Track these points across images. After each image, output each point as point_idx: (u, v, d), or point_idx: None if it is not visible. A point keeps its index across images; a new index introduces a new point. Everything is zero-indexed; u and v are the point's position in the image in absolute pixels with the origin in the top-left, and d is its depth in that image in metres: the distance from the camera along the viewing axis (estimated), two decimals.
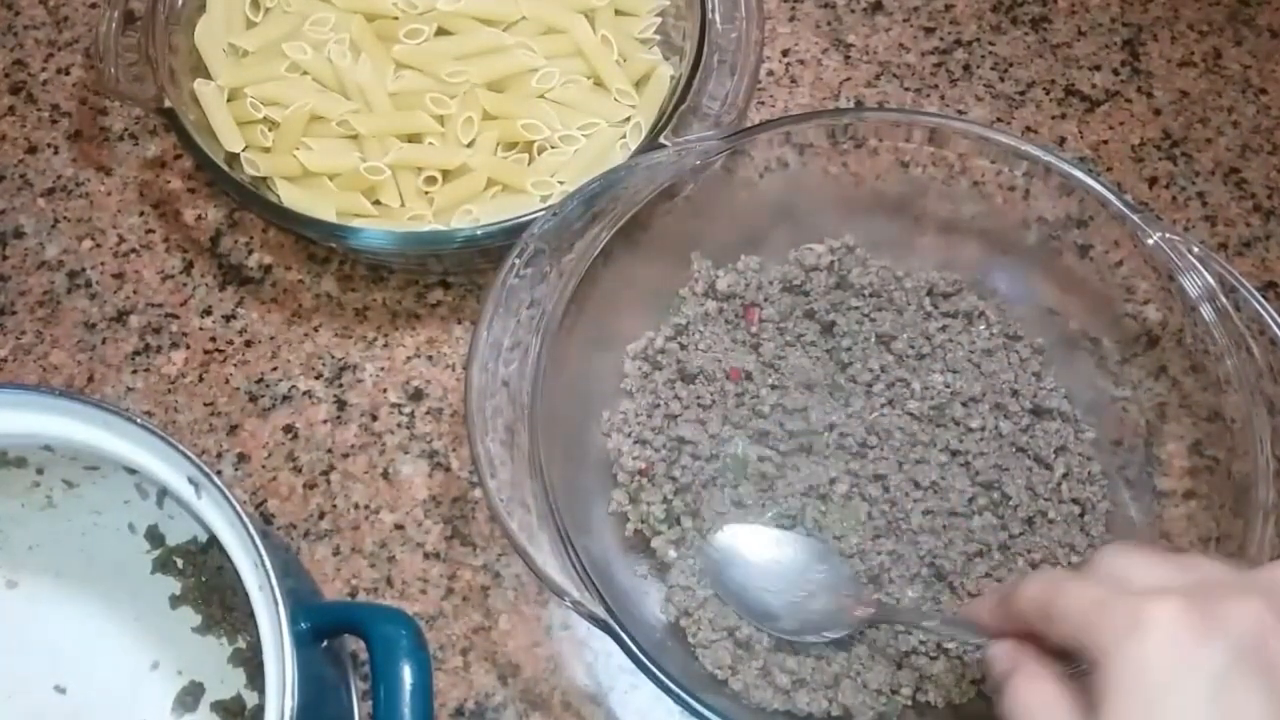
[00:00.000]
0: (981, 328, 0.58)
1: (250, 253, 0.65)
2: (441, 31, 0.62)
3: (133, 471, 0.46)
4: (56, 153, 0.68)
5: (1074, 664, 0.36)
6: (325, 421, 0.60)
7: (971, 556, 0.52)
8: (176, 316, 0.63)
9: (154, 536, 0.54)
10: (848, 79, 0.71)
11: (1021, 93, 0.70)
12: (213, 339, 0.63)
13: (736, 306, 0.57)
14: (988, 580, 0.52)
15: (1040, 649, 0.38)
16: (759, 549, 0.52)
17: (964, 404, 0.55)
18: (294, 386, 0.61)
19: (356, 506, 0.59)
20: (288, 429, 0.60)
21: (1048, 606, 0.37)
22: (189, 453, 0.43)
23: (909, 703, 0.50)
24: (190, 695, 0.53)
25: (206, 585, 0.54)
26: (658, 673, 0.45)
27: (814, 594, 0.50)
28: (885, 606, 0.50)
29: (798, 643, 0.51)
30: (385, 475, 0.59)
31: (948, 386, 0.55)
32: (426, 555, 0.57)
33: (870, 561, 0.52)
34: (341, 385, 0.61)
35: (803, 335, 0.57)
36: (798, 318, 0.57)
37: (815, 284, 0.57)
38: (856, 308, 0.57)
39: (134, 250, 0.65)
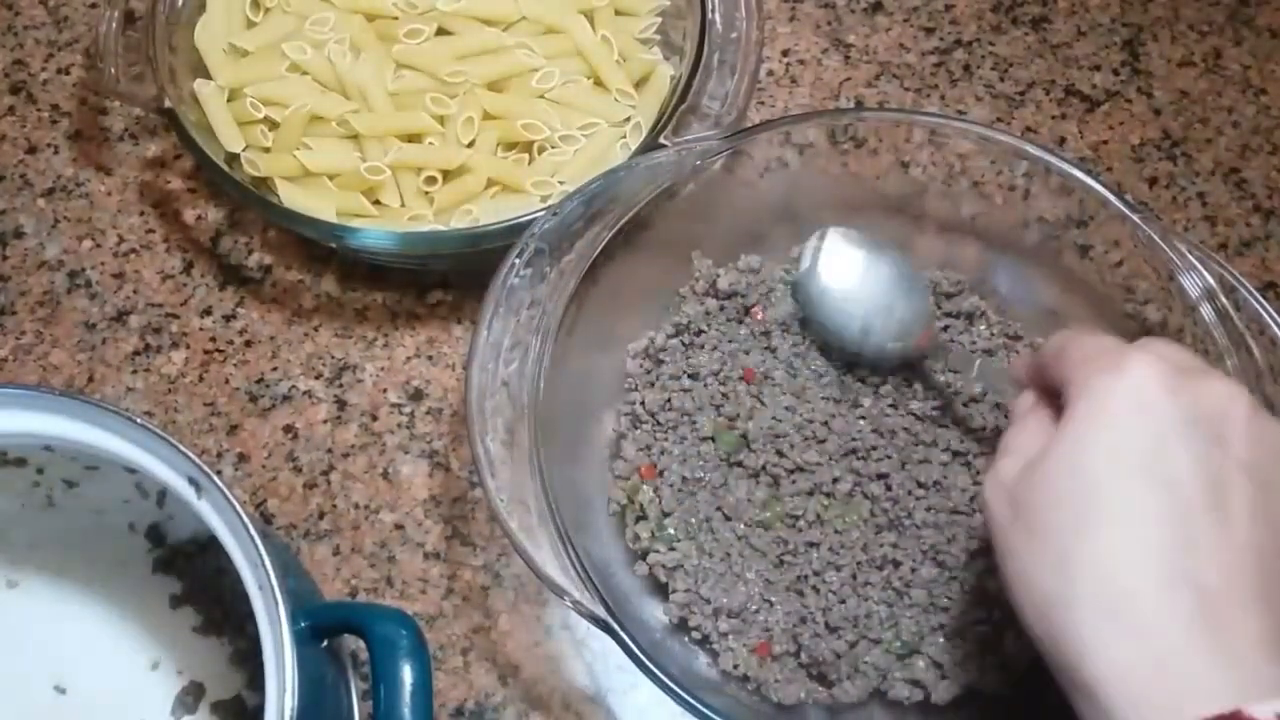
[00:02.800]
0: (982, 328, 0.58)
1: (250, 253, 0.65)
2: (441, 31, 0.62)
3: (133, 471, 0.46)
4: (56, 153, 0.68)
5: None
6: (325, 421, 0.60)
7: (974, 554, 0.52)
8: (176, 316, 0.63)
9: (154, 536, 0.54)
10: (848, 79, 0.71)
11: (1021, 93, 0.70)
12: (213, 339, 0.63)
13: (738, 305, 0.57)
14: (988, 575, 0.52)
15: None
16: (847, 258, 0.55)
17: (965, 404, 0.55)
18: (294, 386, 0.61)
19: (356, 506, 0.59)
20: (288, 429, 0.60)
21: (1060, 352, 0.41)
22: (189, 453, 0.43)
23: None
24: (190, 695, 0.53)
25: (206, 585, 0.54)
26: (658, 672, 0.45)
27: (891, 309, 0.54)
28: (941, 342, 0.53)
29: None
30: (385, 475, 0.59)
31: (949, 386, 0.55)
32: (426, 555, 0.57)
33: (873, 553, 0.52)
34: (341, 385, 0.61)
35: (796, 329, 0.57)
36: (784, 313, 0.57)
37: None
38: None
39: (134, 250, 0.65)
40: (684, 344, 0.57)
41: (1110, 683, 0.34)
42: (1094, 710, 0.35)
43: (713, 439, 0.54)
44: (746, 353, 0.56)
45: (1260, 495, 0.37)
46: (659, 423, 0.55)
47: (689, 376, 0.56)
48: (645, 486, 0.54)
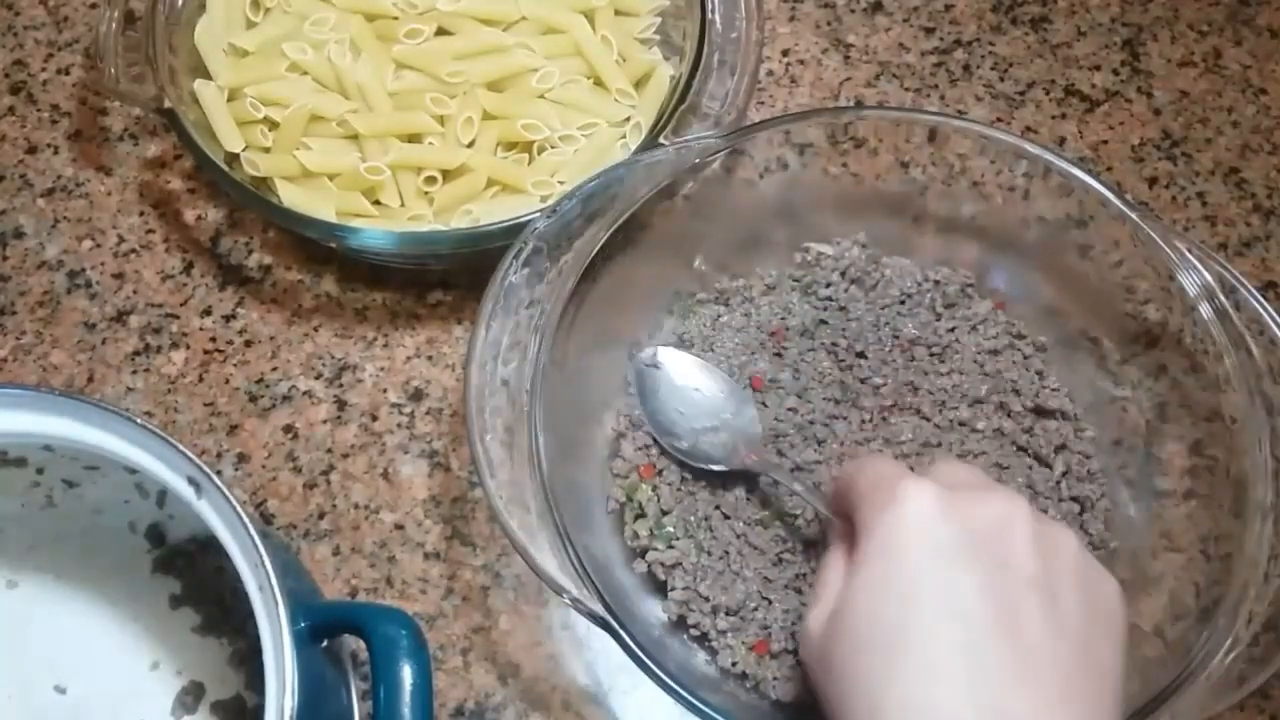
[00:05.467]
0: (987, 326, 0.57)
1: (250, 253, 0.65)
2: (441, 31, 0.62)
3: (133, 471, 0.46)
4: (56, 153, 0.68)
5: None
6: (325, 421, 0.60)
7: None
8: (176, 316, 0.63)
9: (154, 536, 0.54)
10: (848, 79, 0.71)
11: (1021, 93, 0.70)
12: (213, 339, 0.63)
13: (745, 307, 0.57)
14: None
15: None
16: (686, 373, 0.55)
17: (970, 405, 0.55)
18: (294, 386, 0.61)
19: (356, 506, 0.59)
20: (288, 429, 0.60)
21: (850, 484, 0.42)
22: (189, 453, 0.43)
23: None
24: (190, 695, 0.53)
25: (206, 585, 0.55)
26: (657, 670, 0.45)
27: (718, 430, 0.53)
28: (768, 462, 0.52)
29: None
30: (385, 475, 0.59)
31: (956, 388, 0.55)
32: (426, 555, 0.57)
33: None
34: (341, 385, 0.61)
35: (811, 333, 0.57)
36: (807, 321, 0.57)
37: (825, 281, 0.57)
38: (867, 307, 0.57)
39: (134, 250, 0.65)
40: (689, 345, 0.57)
41: None
42: None
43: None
44: (755, 361, 0.56)
45: (1052, 607, 0.37)
46: None
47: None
48: (644, 485, 0.54)
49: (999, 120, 0.70)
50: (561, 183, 0.59)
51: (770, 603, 0.51)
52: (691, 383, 0.54)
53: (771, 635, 0.51)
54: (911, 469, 0.42)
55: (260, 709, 0.42)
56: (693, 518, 0.53)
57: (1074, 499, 0.54)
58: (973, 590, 0.36)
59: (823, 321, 0.57)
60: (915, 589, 0.37)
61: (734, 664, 0.51)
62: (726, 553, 0.52)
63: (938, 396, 0.55)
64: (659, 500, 0.53)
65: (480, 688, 0.55)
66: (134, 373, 0.62)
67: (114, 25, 0.58)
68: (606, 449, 0.56)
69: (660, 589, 0.53)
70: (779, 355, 0.56)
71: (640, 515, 0.53)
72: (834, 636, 0.38)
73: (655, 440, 0.55)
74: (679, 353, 0.55)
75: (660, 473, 0.54)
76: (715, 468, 0.53)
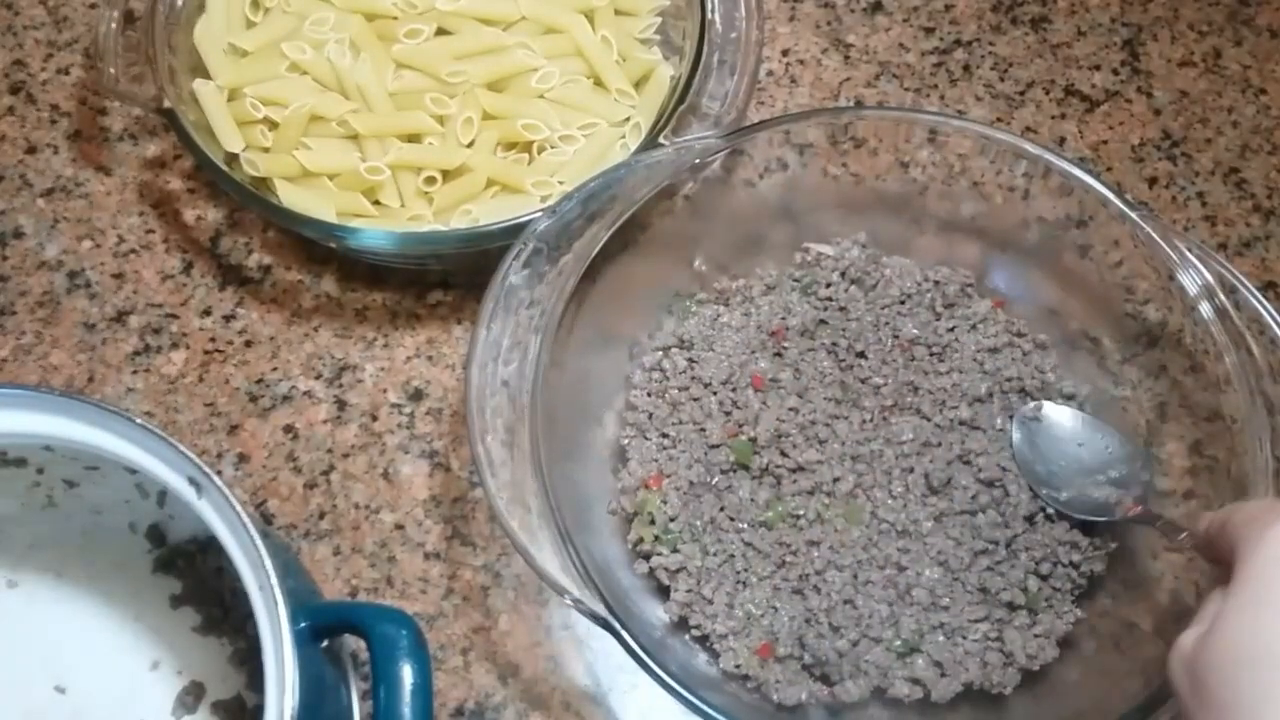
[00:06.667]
0: (987, 325, 0.58)
1: (250, 253, 0.65)
2: (441, 31, 0.62)
3: (133, 471, 0.46)
4: (56, 153, 0.68)
5: None
6: (325, 421, 0.60)
7: (977, 553, 0.52)
8: (176, 316, 0.63)
9: (154, 536, 0.54)
10: (848, 79, 0.71)
11: (1021, 93, 0.70)
12: (213, 339, 0.63)
13: (745, 307, 0.57)
14: (989, 574, 0.52)
15: None
16: (1069, 428, 0.54)
17: (970, 404, 0.55)
18: (294, 386, 0.61)
19: (356, 506, 0.59)
20: (288, 429, 0.60)
21: (1224, 521, 0.41)
22: (189, 453, 0.43)
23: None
24: (190, 695, 0.53)
25: (206, 585, 0.55)
26: (658, 670, 0.45)
27: (1100, 484, 0.53)
28: (1149, 514, 0.51)
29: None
30: (385, 475, 0.59)
31: (956, 387, 0.55)
32: (426, 555, 0.57)
33: (873, 552, 0.52)
34: (341, 385, 0.61)
35: (811, 333, 0.57)
36: (807, 320, 0.57)
37: (825, 281, 0.58)
38: (867, 307, 0.57)
39: (134, 250, 0.65)
40: (690, 360, 0.57)
41: None
42: None
43: (720, 446, 0.54)
44: (756, 360, 0.56)
45: None
46: (665, 434, 0.55)
47: (700, 384, 0.56)
48: (653, 496, 0.53)
49: (999, 120, 0.70)
50: (561, 183, 0.59)
51: (776, 610, 0.51)
52: (1076, 437, 0.54)
53: (778, 640, 0.51)
54: None
55: (260, 709, 0.42)
56: (699, 522, 0.53)
57: None
58: None
59: (823, 321, 0.57)
60: None
61: (737, 666, 0.51)
62: (731, 556, 0.52)
63: (938, 396, 0.55)
64: (666, 508, 0.53)
65: (480, 688, 0.55)
66: (134, 373, 0.62)
67: (114, 25, 0.58)
68: (607, 449, 0.56)
69: (662, 589, 0.53)
70: (779, 355, 0.56)
71: (647, 522, 0.53)
72: (1204, 654, 0.37)
73: (663, 447, 0.55)
74: (1062, 408, 0.55)
75: (667, 478, 0.54)
76: (1096, 518, 0.52)
